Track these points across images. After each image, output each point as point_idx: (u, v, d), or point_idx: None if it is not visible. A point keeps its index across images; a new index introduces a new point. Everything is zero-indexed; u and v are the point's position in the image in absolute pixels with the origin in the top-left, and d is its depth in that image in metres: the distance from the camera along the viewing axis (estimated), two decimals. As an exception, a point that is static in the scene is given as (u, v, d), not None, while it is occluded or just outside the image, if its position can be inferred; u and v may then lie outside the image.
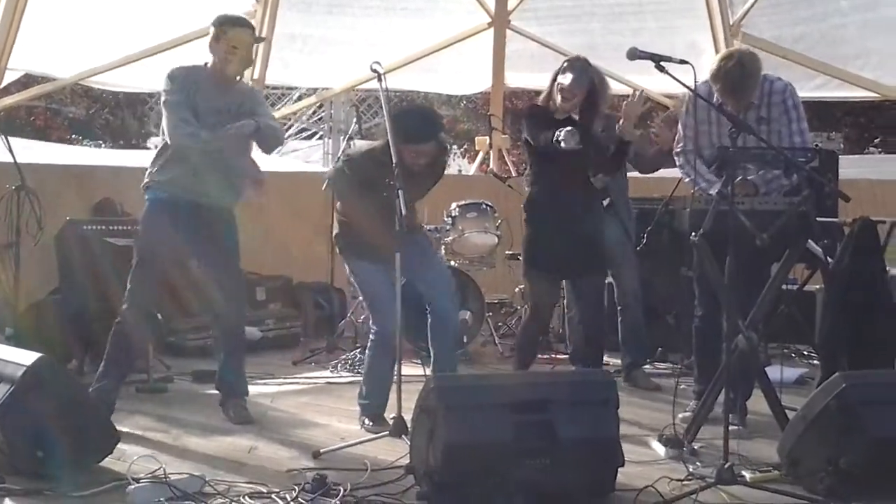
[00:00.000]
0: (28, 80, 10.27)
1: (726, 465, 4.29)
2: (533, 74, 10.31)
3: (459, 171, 20.18)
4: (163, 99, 5.29)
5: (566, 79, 5.54)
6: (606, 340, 6.17)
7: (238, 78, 5.49)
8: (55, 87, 9.93)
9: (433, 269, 5.59)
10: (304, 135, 23.36)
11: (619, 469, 4.17)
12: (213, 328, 5.93)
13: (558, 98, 5.58)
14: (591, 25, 10.38)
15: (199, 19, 9.23)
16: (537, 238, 5.74)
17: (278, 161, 13.59)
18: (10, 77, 8.63)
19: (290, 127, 18.14)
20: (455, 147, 23.41)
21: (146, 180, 5.36)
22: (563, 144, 5.29)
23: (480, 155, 11.36)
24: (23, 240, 6.36)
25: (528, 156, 5.88)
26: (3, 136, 6.41)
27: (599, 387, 4.23)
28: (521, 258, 6.09)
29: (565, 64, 5.64)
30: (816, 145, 7.02)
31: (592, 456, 4.04)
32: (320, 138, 22.96)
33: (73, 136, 26.89)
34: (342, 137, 13.26)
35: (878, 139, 23.79)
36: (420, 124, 5.26)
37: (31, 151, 9.10)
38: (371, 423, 5.29)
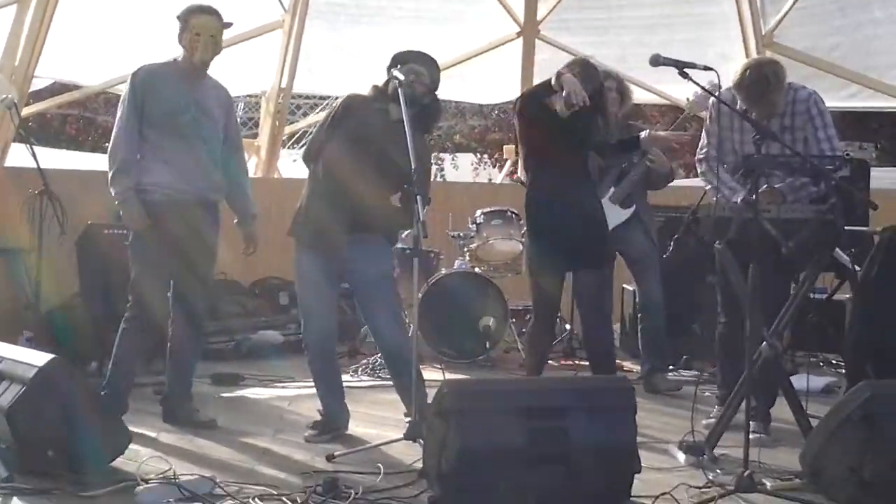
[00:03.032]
0: (59, 89, 10.31)
1: (746, 473, 4.23)
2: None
3: (489, 180, 20.16)
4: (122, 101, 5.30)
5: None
6: (613, 342, 6.11)
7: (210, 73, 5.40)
8: (83, 95, 9.95)
9: (375, 307, 5.20)
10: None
11: (637, 476, 4.09)
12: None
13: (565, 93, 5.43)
14: (621, 37, 10.27)
15: (231, 28, 9.28)
16: (534, 235, 5.70)
17: (301, 168, 13.57)
18: (37, 84, 8.65)
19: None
20: (486, 157, 23.34)
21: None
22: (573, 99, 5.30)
23: (508, 163, 11.32)
24: (45, 244, 6.36)
25: (525, 155, 5.84)
26: (28, 144, 6.43)
27: (617, 393, 4.16)
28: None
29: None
30: (847, 154, 6.93)
31: (608, 463, 3.96)
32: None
33: (107, 144, 26.99)
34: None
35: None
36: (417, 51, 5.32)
37: (60, 159, 9.13)
38: (314, 433, 5.17)
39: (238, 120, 5.70)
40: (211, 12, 5.31)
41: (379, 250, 5.17)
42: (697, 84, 4.72)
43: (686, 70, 4.72)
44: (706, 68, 4.69)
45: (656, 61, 4.77)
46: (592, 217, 5.66)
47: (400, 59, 5.21)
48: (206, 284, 5.46)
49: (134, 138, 5.23)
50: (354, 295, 5.41)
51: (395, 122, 4.86)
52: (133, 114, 5.22)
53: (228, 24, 5.36)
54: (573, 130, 5.48)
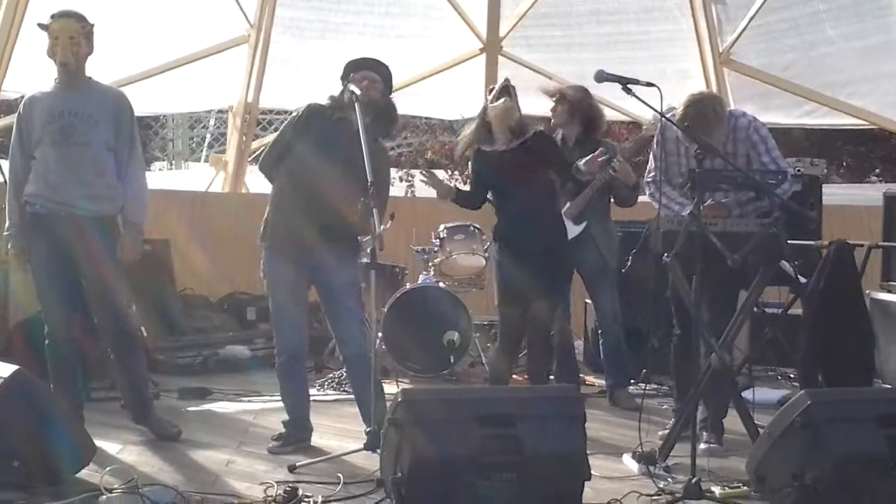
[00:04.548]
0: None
1: (693, 481, 4.37)
2: (525, 100, 10.39)
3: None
4: None
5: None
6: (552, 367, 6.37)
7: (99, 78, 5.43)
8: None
9: (343, 313, 5.33)
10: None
11: (590, 484, 4.20)
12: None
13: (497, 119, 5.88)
14: (581, 55, 10.46)
15: (193, 43, 9.41)
16: (500, 267, 5.92)
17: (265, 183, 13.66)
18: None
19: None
20: (457, 173, 23.49)
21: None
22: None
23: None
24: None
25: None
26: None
27: (566, 402, 4.28)
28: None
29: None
30: (799, 170, 7.09)
31: (558, 470, 4.07)
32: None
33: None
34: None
35: (878, 169, 23.94)
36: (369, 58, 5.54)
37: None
38: (278, 444, 5.29)
39: (140, 132, 5.51)
40: (68, 15, 5.28)
41: (347, 258, 5.30)
42: (640, 99, 4.86)
43: (629, 86, 4.88)
44: (649, 84, 4.83)
45: (600, 77, 4.91)
46: (553, 247, 5.89)
47: (353, 67, 5.38)
48: (106, 297, 5.34)
49: (16, 168, 5.30)
50: (322, 302, 5.48)
51: (357, 131, 4.95)
52: (17, 143, 5.30)
53: (90, 25, 5.30)
54: (525, 163, 5.75)
